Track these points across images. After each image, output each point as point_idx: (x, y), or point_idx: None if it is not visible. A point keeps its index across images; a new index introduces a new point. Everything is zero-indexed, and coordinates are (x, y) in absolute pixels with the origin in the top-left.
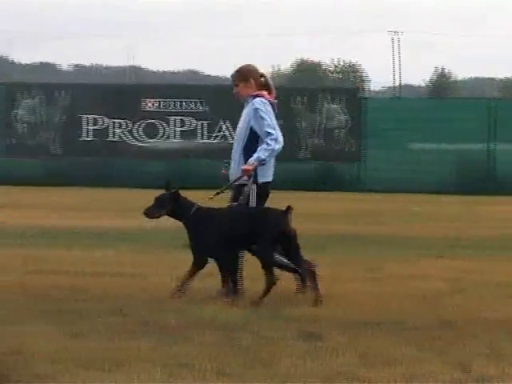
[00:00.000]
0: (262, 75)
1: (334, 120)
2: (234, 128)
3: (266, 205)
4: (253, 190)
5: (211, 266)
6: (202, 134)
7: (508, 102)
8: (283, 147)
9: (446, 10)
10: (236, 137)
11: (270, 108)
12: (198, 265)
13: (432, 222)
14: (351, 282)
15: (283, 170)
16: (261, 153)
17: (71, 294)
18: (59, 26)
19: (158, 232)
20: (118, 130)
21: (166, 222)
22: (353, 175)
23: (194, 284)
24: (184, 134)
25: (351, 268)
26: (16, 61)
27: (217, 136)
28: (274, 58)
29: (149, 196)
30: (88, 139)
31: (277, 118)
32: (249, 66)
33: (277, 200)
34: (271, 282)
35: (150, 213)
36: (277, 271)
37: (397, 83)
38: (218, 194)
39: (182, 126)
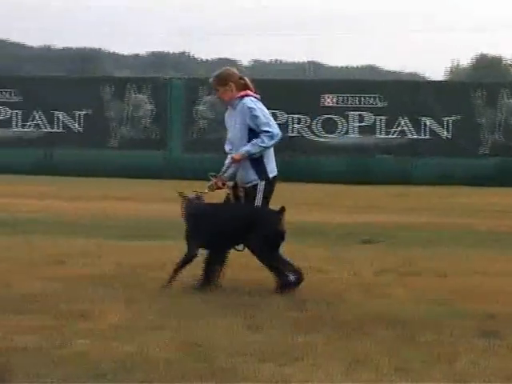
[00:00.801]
0: (241, 77)
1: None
2: (413, 124)
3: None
4: (261, 187)
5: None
6: (381, 130)
7: None
8: None
9: None
10: (231, 139)
11: (260, 104)
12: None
13: None
14: None
15: (462, 166)
16: (252, 148)
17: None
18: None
19: (334, 227)
20: (296, 126)
21: (349, 218)
22: None
23: (366, 279)
24: (362, 130)
25: None
26: (196, 56)
27: (395, 131)
28: (453, 53)
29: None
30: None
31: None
32: (228, 69)
33: (451, 195)
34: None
35: None
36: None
37: None
38: (210, 189)
39: (360, 122)
